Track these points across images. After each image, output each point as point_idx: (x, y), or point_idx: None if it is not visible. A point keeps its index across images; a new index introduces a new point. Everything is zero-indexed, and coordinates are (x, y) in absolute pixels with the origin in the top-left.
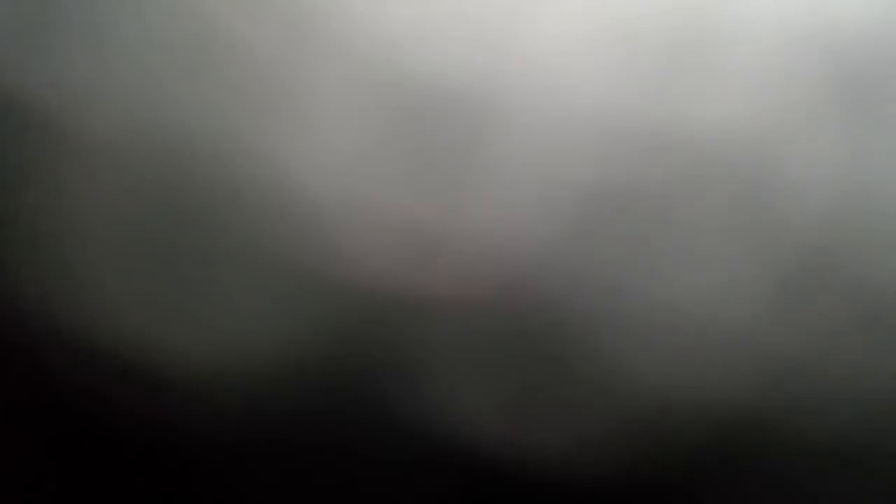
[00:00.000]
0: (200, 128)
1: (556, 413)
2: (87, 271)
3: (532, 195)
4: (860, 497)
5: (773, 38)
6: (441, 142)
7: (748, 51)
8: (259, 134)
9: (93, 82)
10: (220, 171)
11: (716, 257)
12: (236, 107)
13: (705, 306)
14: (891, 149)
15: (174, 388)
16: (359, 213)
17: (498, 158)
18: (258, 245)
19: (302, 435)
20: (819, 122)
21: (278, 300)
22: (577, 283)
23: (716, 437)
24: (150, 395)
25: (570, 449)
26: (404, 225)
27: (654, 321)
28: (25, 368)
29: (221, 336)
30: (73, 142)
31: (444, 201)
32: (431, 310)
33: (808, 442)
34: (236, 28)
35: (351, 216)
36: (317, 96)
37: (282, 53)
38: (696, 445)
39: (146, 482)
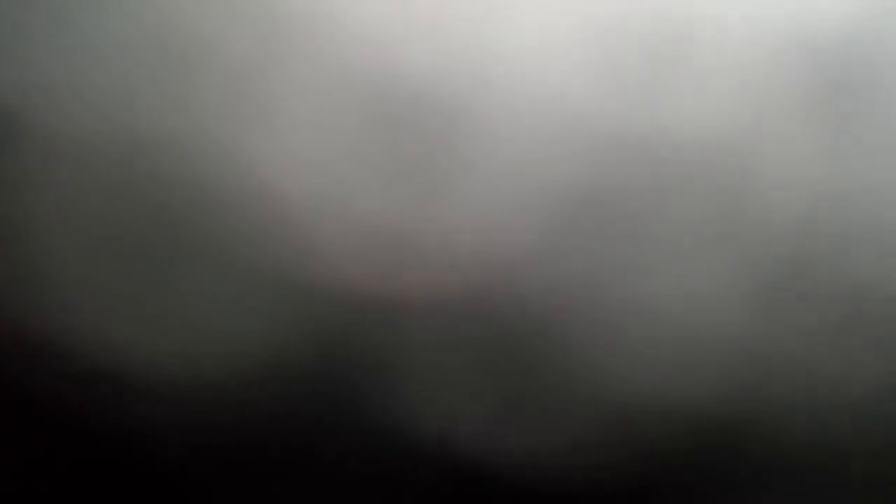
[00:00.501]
0: (171, 128)
1: (536, 416)
2: (59, 272)
3: (509, 198)
4: (845, 499)
5: (755, 44)
6: (417, 143)
7: (729, 56)
8: (230, 135)
9: (61, 81)
10: (191, 172)
11: (696, 261)
12: (207, 107)
13: (686, 310)
14: (871, 154)
15: (148, 391)
16: (334, 216)
17: (475, 160)
18: (230, 248)
19: (278, 438)
20: (800, 128)
21: (252, 304)
22: (555, 286)
23: (698, 440)
24: (123, 398)
25: (551, 452)
26: (381, 227)
27: (634, 325)
28: None
29: (194, 340)
30: (40, 140)
31: (422, 203)
32: (408, 313)
33: (793, 444)
34: (207, 27)
35: (326, 218)
36: (289, 97)
37: (253, 53)
38: (679, 449)
39: (122, 487)
